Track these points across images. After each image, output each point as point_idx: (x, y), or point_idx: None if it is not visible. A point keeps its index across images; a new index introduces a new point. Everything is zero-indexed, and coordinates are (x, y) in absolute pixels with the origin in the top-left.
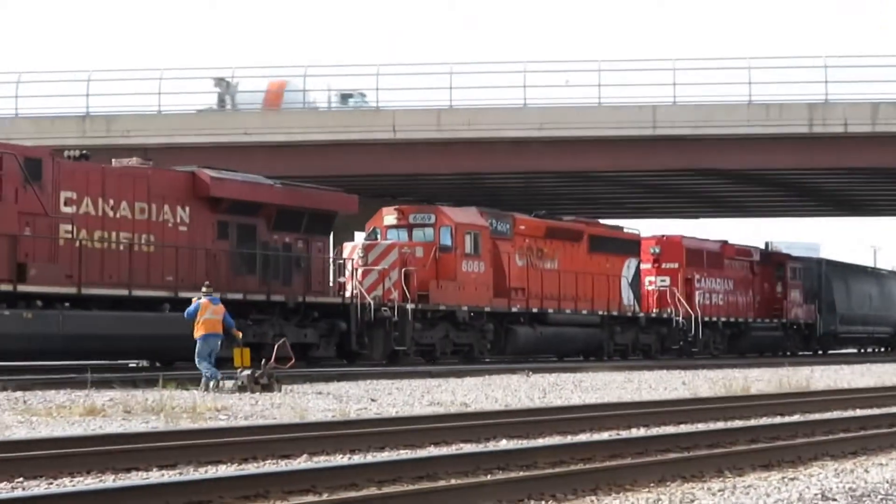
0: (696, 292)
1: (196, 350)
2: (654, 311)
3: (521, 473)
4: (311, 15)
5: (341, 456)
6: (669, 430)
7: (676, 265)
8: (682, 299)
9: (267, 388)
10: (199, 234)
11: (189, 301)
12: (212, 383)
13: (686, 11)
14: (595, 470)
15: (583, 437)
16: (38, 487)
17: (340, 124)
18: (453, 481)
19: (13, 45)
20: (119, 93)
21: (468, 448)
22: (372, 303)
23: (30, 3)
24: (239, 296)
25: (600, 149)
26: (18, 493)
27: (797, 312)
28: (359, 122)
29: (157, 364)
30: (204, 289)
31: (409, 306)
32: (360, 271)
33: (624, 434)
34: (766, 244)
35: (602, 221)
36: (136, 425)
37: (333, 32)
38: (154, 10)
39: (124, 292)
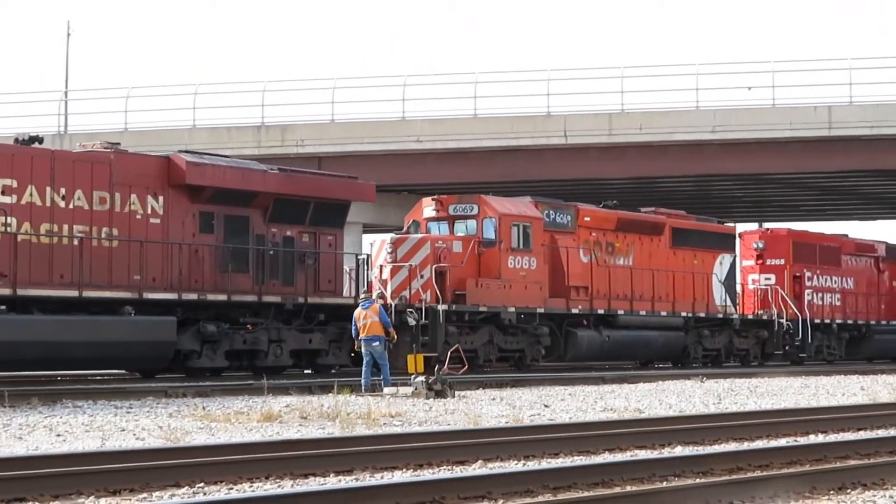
0: (806, 291)
1: None
2: (756, 312)
3: (698, 480)
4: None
5: (515, 462)
6: (849, 436)
7: (782, 261)
8: (788, 299)
9: (440, 394)
10: (177, 227)
11: (159, 303)
12: (364, 388)
13: (861, 9)
14: (773, 477)
15: (759, 444)
16: (219, 492)
17: (511, 130)
18: (629, 488)
19: (188, 58)
20: (293, 102)
21: (643, 454)
22: (393, 304)
23: (203, 16)
24: (223, 297)
25: (774, 150)
26: (199, 497)
27: None
28: (530, 127)
29: (138, 375)
30: (362, 295)
31: (441, 307)
32: (388, 269)
33: (801, 440)
34: None
35: (693, 214)
36: (313, 431)
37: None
38: (324, 19)
39: (74, 293)
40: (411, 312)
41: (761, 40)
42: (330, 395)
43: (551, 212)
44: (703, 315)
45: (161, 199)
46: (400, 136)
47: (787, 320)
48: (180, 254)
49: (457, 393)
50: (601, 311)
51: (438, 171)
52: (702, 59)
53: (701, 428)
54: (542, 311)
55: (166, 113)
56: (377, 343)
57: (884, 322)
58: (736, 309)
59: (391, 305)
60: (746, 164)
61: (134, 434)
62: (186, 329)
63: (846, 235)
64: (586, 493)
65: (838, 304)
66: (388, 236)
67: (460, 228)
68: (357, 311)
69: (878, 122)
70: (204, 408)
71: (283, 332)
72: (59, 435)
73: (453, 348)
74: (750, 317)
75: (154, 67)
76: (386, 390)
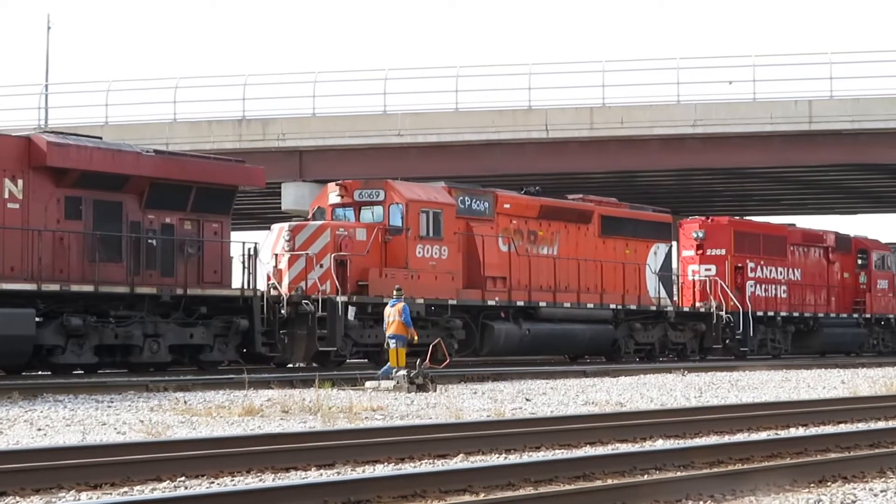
0: (749, 283)
1: None
2: (696, 304)
3: (678, 474)
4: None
5: (497, 456)
6: (829, 429)
7: (723, 251)
8: (728, 290)
9: (422, 388)
10: (39, 212)
11: (15, 294)
12: (382, 383)
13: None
14: (754, 470)
15: (740, 437)
16: (200, 486)
17: (493, 124)
18: (609, 481)
19: (171, 51)
20: (275, 96)
21: (624, 448)
22: (285, 296)
23: (184, 10)
24: (89, 288)
25: (755, 144)
26: (181, 492)
27: (886, 306)
28: (511, 121)
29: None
30: (395, 292)
31: (340, 299)
32: (285, 258)
33: (782, 434)
34: None
35: (624, 202)
36: (294, 425)
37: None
38: (307, 12)
39: None
40: (307, 303)
41: (761, 37)
42: (312, 388)
43: (466, 198)
44: (634, 307)
45: (20, 182)
46: (381, 130)
47: (727, 313)
48: (41, 241)
49: (438, 387)
50: (521, 303)
51: (419, 164)
52: (683, 52)
53: (682, 421)
54: (454, 302)
55: (147, 107)
56: (395, 340)
57: (833, 315)
58: (673, 301)
59: (283, 298)
60: (727, 159)
61: (115, 428)
62: (49, 323)
63: (793, 225)
64: (567, 487)
65: (784, 296)
66: (285, 224)
67: (366, 215)
68: (387, 309)
69: (859, 116)
70: (185, 402)
71: (160, 326)
72: (39, 429)
73: (435, 342)
74: (686, 309)
75: (135, 61)
76: (368, 384)
